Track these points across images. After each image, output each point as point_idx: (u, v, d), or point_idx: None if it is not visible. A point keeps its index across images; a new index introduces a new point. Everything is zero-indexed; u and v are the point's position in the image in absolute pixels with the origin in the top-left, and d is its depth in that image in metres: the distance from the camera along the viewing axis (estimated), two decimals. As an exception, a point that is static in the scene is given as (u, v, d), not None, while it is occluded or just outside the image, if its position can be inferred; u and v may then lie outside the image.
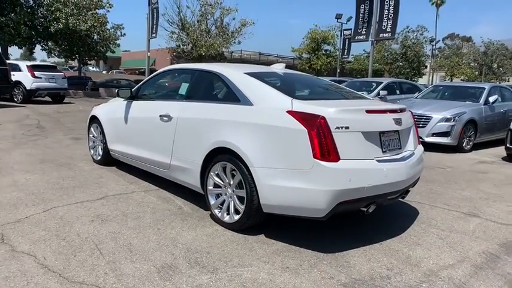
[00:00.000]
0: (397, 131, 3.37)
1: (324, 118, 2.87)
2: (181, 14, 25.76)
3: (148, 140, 4.40)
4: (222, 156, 3.40)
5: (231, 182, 3.37)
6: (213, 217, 3.57)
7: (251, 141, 3.15)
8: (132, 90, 4.82)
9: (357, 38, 17.18)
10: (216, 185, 3.54)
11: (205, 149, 3.54)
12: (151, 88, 4.89)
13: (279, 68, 4.16)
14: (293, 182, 2.91)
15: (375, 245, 3.26)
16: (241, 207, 3.26)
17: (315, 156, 2.82)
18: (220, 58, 28.54)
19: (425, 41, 43.04)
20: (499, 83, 57.31)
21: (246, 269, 2.72)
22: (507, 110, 9.54)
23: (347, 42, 32.48)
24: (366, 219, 3.80)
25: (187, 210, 3.86)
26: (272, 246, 3.11)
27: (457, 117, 8.24)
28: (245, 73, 3.70)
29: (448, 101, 9.36)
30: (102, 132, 5.33)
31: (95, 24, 21.28)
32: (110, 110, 5.28)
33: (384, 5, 15.57)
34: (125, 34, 30.04)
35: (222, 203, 3.50)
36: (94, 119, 5.61)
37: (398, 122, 3.33)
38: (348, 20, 32.13)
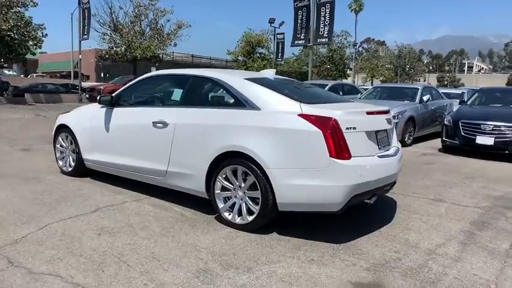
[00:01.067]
0: (387, 129, 3.77)
1: (336, 120, 3.13)
2: (113, 15, 24.63)
3: (137, 148, 4.30)
4: (231, 160, 3.50)
5: (242, 185, 3.48)
6: (222, 220, 3.64)
7: (264, 144, 3.30)
8: (112, 96, 4.66)
9: (296, 42, 17.97)
10: (224, 189, 3.62)
11: (211, 154, 3.60)
12: (135, 94, 4.77)
13: (269, 74, 4.34)
14: (310, 180, 3.12)
15: (374, 232, 3.60)
16: (256, 208, 3.39)
17: (331, 155, 3.06)
18: (155, 60, 27.83)
19: (349, 45, 46.22)
20: (412, 83, 63.36)
21: (277, 265, 2.87)
22: (436, 107, 10.76)
23: (281, 46, 33.64)
24: (358, 211, 4.14)
25: (190, 215, 3.87)
26: (289, 243, 3.28)
27: (400, 115, 9.10)
28: (245, 79, 3.83)
29: (388, 101, 10.27)
30: (75, 142, 5.05)
31: (18, 24, 19.44)
32: (84, 118, 5.02)
33: (320, 12, 16.53)
34: (46, 35, 27.85)
35: (231, 206, 3.58)
36: (62, 128, 5.28)
37: (389, 121, 3.73)
38: (281, 25, 33.31)
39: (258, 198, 3.37)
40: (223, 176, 3.58)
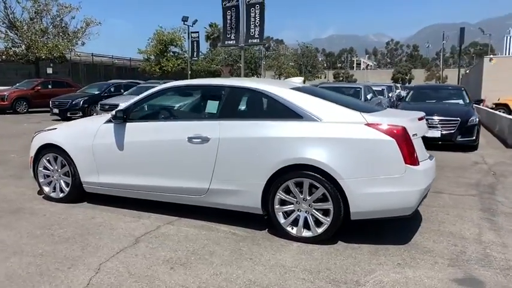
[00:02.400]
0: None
1: (405, 128, 3.29)
2: (8, 10, 21.53)
3: (167, 167, 3.93)
4: (295, 173, 3.43)
5: (308, 197, 3.44)
6: (285, 235, 3.54)
7: (333, 155, 3.31)
8: (124, 110, 4.16)
9: (226, 42, 17.89)
10: (283, 203, 3.54)
11: (270, 168, 3.48)
12: (152, 108, 4.32)
13: (298, 81, 4.33)
14: (386, 187, 3.24)
15: (419, 229, 3.87)
16: (327, 220, 3.38)
17: (406, 162, 3.22)
18: (62, 61, 25.17)
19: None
20: (314, 79, 67.85)
21: (377, 274, 2.93)
22: (376, 104, 11.80)
23: (195, 44, 33.13)
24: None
25: (243, 234, 3.69)
26: (363, 250, 3.36)
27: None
28: (292, 89, 3.77)
29: None
30: (70, 164, 4.39)
31: None
32: (81, 136, 4.39)
33: (250, 13, 16.71)
34: None
35: (294, 220, 3.52)
36: (47, 149, 4.54)
37: (427, 126, 4.02)
38: (194, 23, 32.77)
39: (328, 210, 3.38)
40: (284, 189, 3.50)
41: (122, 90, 16.42)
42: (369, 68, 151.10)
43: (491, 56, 32.23)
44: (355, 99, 4.74)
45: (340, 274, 2.92)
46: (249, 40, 17.01)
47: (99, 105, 13.95)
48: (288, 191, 3.50)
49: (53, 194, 4.62)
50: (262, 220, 3.77)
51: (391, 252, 3.32)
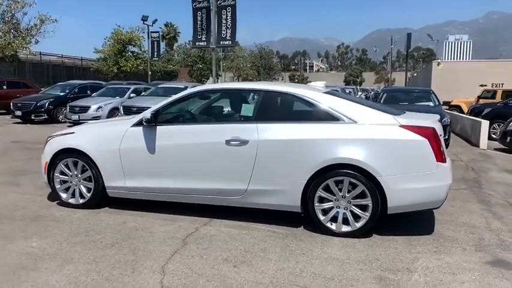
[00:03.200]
0: None
1: (434, 129, 3.64)
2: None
3: (204, 169, 3.99)
4: (335, 172, 3.66)
5: (347, 194, 3.68)
6: (325, 231, 3.75)
7: (372, 155, 3.58)
8: (154, 114, 4.15)
9: (197, 44, 17.80)
10: (323, 200, 3.75)
11: (311, 168, 3.68)
12: (183, 111, 4.34)
13: (320, 85, 4.56)
14: (420, 183, 3.56)
15: (434, 221, 4.25)
16: (365, 214, 3.64)
17: (437, 160, 3.56)
18: (13, 59, 23.64)
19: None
20: (272, 81, 68.80)
21: (421, 261, 3.23)
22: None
23: (156, 44, 32.44)
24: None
25: (283, 231, 3.85)
26: (399, 241, 3.65)
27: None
28: (325, 93, 3.99)
29: None
30: (93, 168, 4.30)
31: None
32: (106, 140, 4.31)
33: (221, 15, 16.78)
34: None
35: (333, 216, 3.74)
36: (66, 153, 4.41)
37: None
38: (154, 23, 32.07)
39: (366, 205, 3.64)
40: (323, 188, 3.71)
41: (89, 92, 15.80)
42: (320, 70, 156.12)
43: (439, 60, 34.75)
44: (377, 103, 5.06)
45: (390, 263, 3.19)
46: (221, 42, 17.07)
47: (68, 107, 13.35)
48: (328, 189, 3.71)
49: (71, 200, 4.49)
50: (293, 218, 3.96)
51: (423, 242, 3.65)
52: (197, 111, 4.50)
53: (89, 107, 12.91)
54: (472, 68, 32.32)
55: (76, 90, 15.93)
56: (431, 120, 3.84)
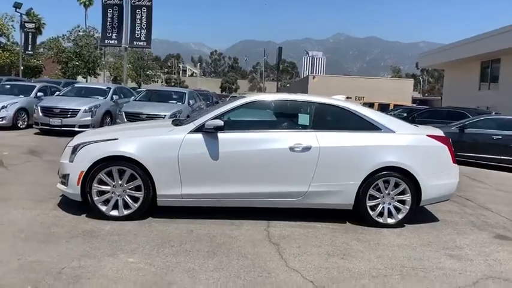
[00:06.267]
0: None
1: (449, 138, 4.69)
2: None
3: (268, 174, 4.24)
4: (385, 173, 4.38)
5: (391, 192, 4.44)
6: (374, 224, 4.42)
7: (411, 158, 4.42)
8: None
9: (106, 41, 16.57)
10: (372, 198, 4.43)
11: (365, 170, 4.33)
12: (240, 119, 4.46)
13: (342, 98, 5.21)
14: (443, 180, 4.55)
15: (434, 210, 5.36)
16: (406, 208, 4.46)
17: (453, 162, 4.61)
18: None
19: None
20: (151, 83, 66.71)
21: (458, 240, 4.19)
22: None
23: (31, 36, 28.38)
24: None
25: (337, 227, 4.37)
26: (428, 227, 4.56)
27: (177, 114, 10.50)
28: (362, 105, 4.68)
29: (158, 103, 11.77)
30: (145, 176, 4.09)
31: None
32: (162, 146, 4.15)
33: (135, 14, 16.04)
34: None
35: (381, 211, 4.45)
36: (108, 161, 4.07)
37: None
38: (28, 13, 28.07)
39: (405, 200, 4.46)
40: (373, 187, 4.40)
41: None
42: (194, 75, 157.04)
43: (314, 75, 39.36)
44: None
45: (444, 244, 4.06)
46: (134, 42, 16.29)
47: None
48: (378, 188, 4.41)
49: (113, 213, 4.14)
50: (331, 215, 4.55)
51: (445, 226, 4.64)
52: (255, 119, 4.68)
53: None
54: (340, 82, 37.66)
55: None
56: (440, 131, 4.90)
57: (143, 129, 4.44)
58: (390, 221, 4.47)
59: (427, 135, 4.60)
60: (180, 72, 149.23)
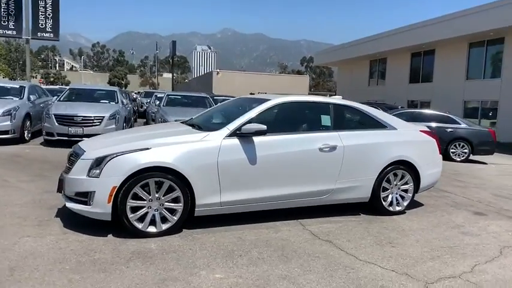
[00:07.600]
0: None
1: (435, 132, 5.42)
2: None
3: (299, 175, 4.34)
4: (394, 167, 4.87)
5: (399, 183, 4.97)
6: (386, 213, 4.89)
7: (413, 152, 5.01)
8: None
9: (1, 31, 14.04)
10: (384, 189, 4.89)
11: (380, 165, 4.76)
12: (270, 121, 4.38)
13: (339, 98, 5.54)
14: (434, 169, 5.26)
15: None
16: (409, 196, 5.05)
17: (440, 153, 5.35)
18: None
19: None
20: (29, 80, 58.80)
21: (459, 220, 4.92)
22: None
23: None
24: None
25: (359, 219, 4.72)
26: (424, 212, 5.23)
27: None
28: (368, 105, 5.10)
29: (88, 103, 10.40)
30: (185, 187, 3.82)
31: None
32: (199, 154, 3.88)
33: (37, 2, 14.02)
34: None
35: (391, 201, 4.94)
36: (143, 174, 3.69)
37: None
38: None
39: (408, 189, 5.03)
40: (386, 180, 4.86)
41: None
42: (74, 69, 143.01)
43: (218, 70, 39.48)
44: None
45: (448, 224, 4.72)
46: (39, 33, 14.25)
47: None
48: (388, 181, 4.88)
49: (151, 229, 3.77)
50: (339, 208, 4.92)
51: (434, 209, 5.37)
52: (282, 121, 4.66)
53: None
54: (245, 78, 38.77)
55: None
56: (425, 127, 5.62)
57: (168, 136, 4.09)
58: (398, 208, 5.00)
59: (420, 131, 5.25)
60: (57, 66, 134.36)
